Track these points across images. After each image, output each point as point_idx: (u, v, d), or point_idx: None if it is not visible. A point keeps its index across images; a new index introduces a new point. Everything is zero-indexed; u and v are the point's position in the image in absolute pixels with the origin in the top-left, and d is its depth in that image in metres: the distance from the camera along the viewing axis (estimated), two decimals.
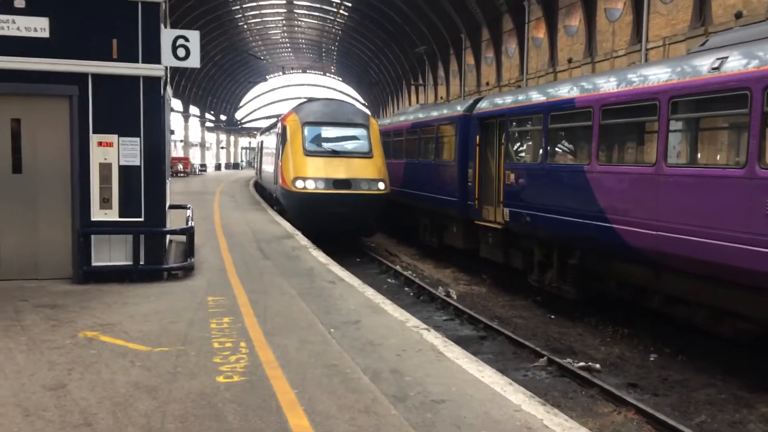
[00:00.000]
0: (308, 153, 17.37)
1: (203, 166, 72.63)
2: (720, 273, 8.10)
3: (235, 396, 5.00)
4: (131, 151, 9.40)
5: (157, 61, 9.49)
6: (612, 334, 10.71)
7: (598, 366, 9.03)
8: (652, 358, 9.46)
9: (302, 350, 6.24)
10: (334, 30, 67.51)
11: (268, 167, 24.84)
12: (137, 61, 9.36)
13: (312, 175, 16.94)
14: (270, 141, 25.61)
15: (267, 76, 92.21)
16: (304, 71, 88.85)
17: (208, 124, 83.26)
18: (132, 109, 9.38)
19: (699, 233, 8.26)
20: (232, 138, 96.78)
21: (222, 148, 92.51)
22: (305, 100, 21.49)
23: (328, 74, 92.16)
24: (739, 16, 19.11)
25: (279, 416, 4.64)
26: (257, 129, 68.42)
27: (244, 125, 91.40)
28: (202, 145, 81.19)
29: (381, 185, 17.45)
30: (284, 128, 18.43)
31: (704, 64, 8.58)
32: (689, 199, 8.55)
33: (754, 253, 7.45)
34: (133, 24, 9.32)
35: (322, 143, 17.79)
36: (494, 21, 37.99)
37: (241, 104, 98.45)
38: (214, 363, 5.79)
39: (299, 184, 16.89)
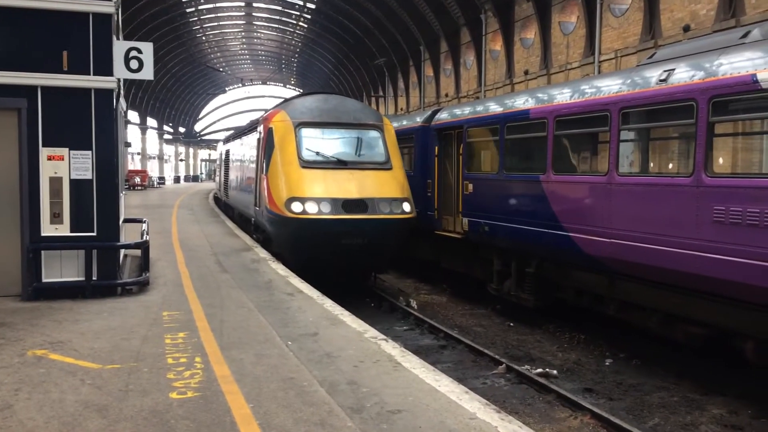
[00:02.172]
0: (306, 164, 12.82)
1: (162, 178, 71.60)
2: (671, 279, 8.30)
3: (188, 412, 4.92)
4: (83, 164, 9.22)
5: (109, 73, 9.34)
6: (569, 340, 10.88)
7: (555, 372, 9.15)
8: (607, 363, 9.62)
9: (259, 364, 6.17)
10: (293, 42, 67.42)
11: (242, 184, 19.66)
12: (89, 74, 9.20)
13: (313, 194, 12.40)
14: (242, 150, 20.49)
15: (226, 88, 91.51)
16: (264, 83, 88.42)
17: (166, 136, 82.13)
18: (83, 122, 9.21)
19: (650, 240, 8.46)
20: (191, 150, 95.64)
21: (181, 160, 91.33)
22: (295, 95, 16.37)
23: (288, 86, 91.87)
24: (686, 29, 19.72)
25: None
26: (217, 141, 67.80)
27: (204, 137, 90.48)
28: (161, 157, 80.00)
29: (407, 206, 12.90)
30: (269, 132, 13.91)
31: (652, 76, 8.83)
32: (640, 207, 8.76)
33: (703, 258, 7.65)
34: (85, 35, 9.16)
35: (324, 151, 13.20)
36: (452, 33, 38.45)
37: (200, 116, 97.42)
38: (167, 379, 5.68)
39: (296, 207, 12.29)
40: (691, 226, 7.86)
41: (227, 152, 26.00)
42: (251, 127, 18.57)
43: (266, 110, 17.70)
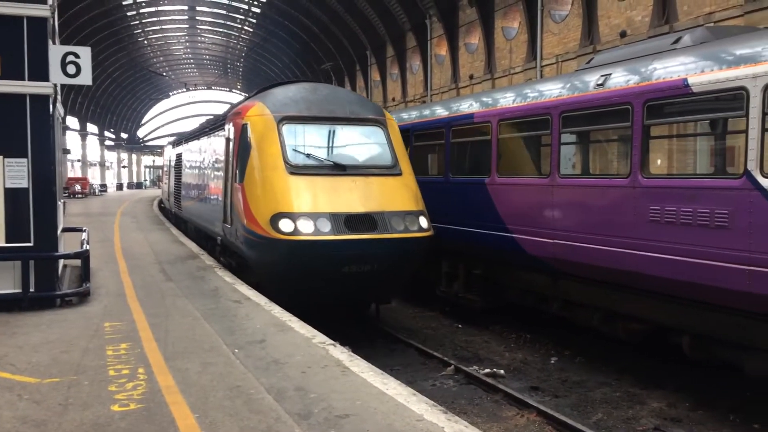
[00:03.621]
0: (295, 170, 10.11)
1: (103, 186, 69.71)
2: (612, 277, 8.55)
3: (130, 425, 4.81)
4: (18, 172, 8.91)
5: (45, 78, 9.07)
6: (516, 340, 11.07)
7: (502, 372, 9.30)
8: (552, 362, 9.83)
9: (204, 373, 6.08)
10: (239, 46, 66.72)
11: (202, 194, 16.08)
12: (23, 79, 8.91)
13: (307, 208, 9.74)
14: (200, 153, 16.91)
15: (170, 93, 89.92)
16: (208, 88, 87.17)
17: (108, 142, 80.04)
18: (18, 128, 8.90)
19: (591, 240, 8.69)
20: (134, 157, 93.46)
21: (123, 167, 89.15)
22: (272, 84, 13.30)
23: (234, 90, 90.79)
24: (623, 35, 20.37)
25: None
26: (161, 147, 66.40)
27: (147, 143, 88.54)
28: (102, 164, 77.91)
29: (423, 222, 10.33)
30: (243, 129, 11.13)
31: (590, 80, 9.09)
32: (581, 208, 9.00)
33: (641, 257, 7.91)
34: (19, 40, 8.87)
35: (317, 152, 10.52)
36: (398, 38, 38.72)
37: (143, 122, 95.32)
38: (109, 392, 5.54)
39: (285, 225, 9.52)
40: (628, 225, 8.12)
41: (179, 156, 22.19)
42: (214, 125, 15.18)
43: (233, 104, 14.66)
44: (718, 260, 6.95)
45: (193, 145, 18.62)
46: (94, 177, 70.70)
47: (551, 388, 8.75)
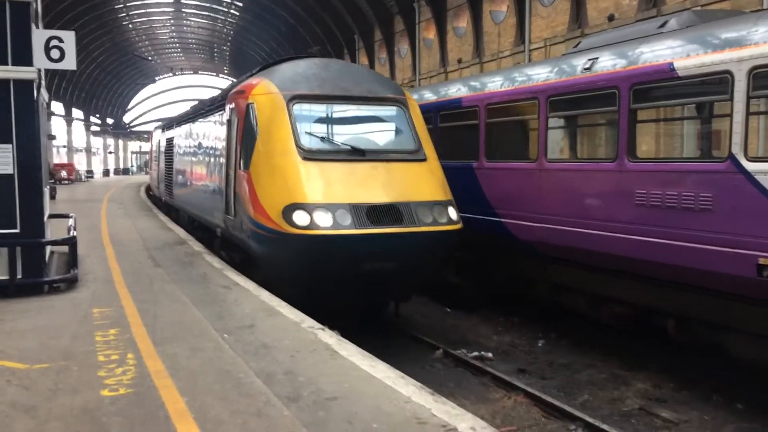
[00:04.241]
0: (309, 155, 9.13)
1: (90, 172, 69.15)
2: (599, 261, 8.62)
3: (120, 409, 4.83)
4: (3, 159, 8.83)
5: (29, 63, 8.95)
6: (503, 324, 11.16)
7: (490, 355, 9.39)
8: (539, 345, 9.94)
9: (194, 358, 6.10)
10: (225, 30, 66.14)
11: (198, 181, 14.96)
12: (6, 64, 8.78)
13: (325, 198, 8.79)
14: (196, 137, 15.64)
15: (156, 78, 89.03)
16: (195, 72, 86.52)
17: (94, 128, 79.31)
18: (2, 114, 8.80)
19: (578, 224, 8.76)
20: (120, 142, 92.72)
21: (110, 152, 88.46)
22: (277, 60, 12.15)
23: (221, 75, 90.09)
24: (611, 18, 20.38)
25: (168, 426, 4.52)
26: (148, 132, 65.85)
27: (134, 129, 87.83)
28: (88, 150, 77.24)
29: (452, 213, 9.36)
30: (248, 109, 10.03)
31: (578, 64, 9.11)
32: (568, 192, 9.05)
33: (627, 240, 7.99)
34: (1, 24, 8.73)
35: (333, 135, 9.65)
36: (386, 22, 38.52)
37: (129, 107, 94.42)
38: (98, 377, 5.55)
39: (299, 218, 8.59)
40: (615, 209, 8.19)
41: (170, 141, 20.90)
42: (212, 105, 13.98)
43: (234, 82, 13.60)
44: (703, 243, 7.03)
45: (187, 128, 17.38)
46: (80, 163, 70.09)
47: (538, 371, 8.85)
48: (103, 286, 9.57)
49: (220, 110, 12.45)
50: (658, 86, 7.84)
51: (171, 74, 72.75)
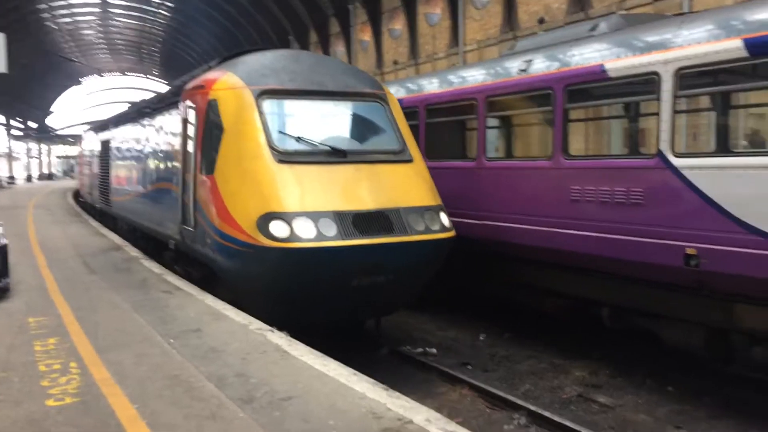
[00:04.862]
0: (285, 157, 8.19)
1: (12, 178, 66.17)
2: (539, 255, 8.92)
3: (68, 419, 4.71)
4: None
5: None
6: (447, 320, 11.37)
7: (434, 350, 9.56)
8: (481, 338, 10.19)
9: (140, 364, 5.99)
10: (155, 31, 64.55)
11: (144, 187, 13.51)
12: None
13: (306, 206, 7.84)
14: (140, 139, 14.16)
15: (81, 79, 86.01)
16: (123, 74, 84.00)
17: (16, 132, 75.86)
18: None
19: (518, 220, 9.03)
20: (44, 146, 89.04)
21: (32, 157, 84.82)
22: (238, 51, 10.74)
23: (150, 77, 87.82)
24: (541, 21, 21.02)
25: None
26: (74, 136, 63.49)
27: (59, 132, 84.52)
28: (9, 155, 73.84)
29: (445, 219, 8.60)
30: (209, 107, 9.03)
31: (513, 66, 9.39)
32: (508, 190, 9.32)
33: (564, 235, 8.30)
34: None
35: (309, 134, 8.56)
36: (321, 24, 38.47)
37: (53, 110, 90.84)
38: (41, 387, 5.39)
39: (277, 229, 7.64)
40: (552, 205, 8.49)
41: (105, 143, 19.25)
42: (162, 103, 12.63)
43: (189, 75, 11.75)
44: (635, 235, 7.39)
45: (128, 129, 15.82)
46: (1, 169, 67.01)
47: (481, 364, 9.07)
48: (37, 295, 9.24)
49: (173, 108, 11.29)
50: (590, 87, 8.19)
51: (98, 76, 70.38)
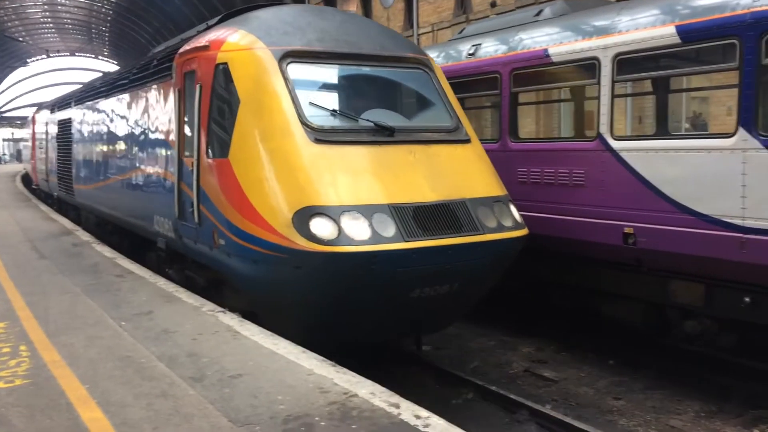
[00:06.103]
0: (321, 136, 6.54)
1: None
2: None
3: (18, 399, 4.75)
4: None
5: None
6: None
7: None
8: None
9: (91, 346, 6.03)
10: (104, 10, 62.79)
11: (120, 174, 11.54)
12: None
13: (354, 198, 6.22)
14: (116, 116, 12.01)
15: (28, 60, 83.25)
16: (72, 54, 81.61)
17: None
18: None
19: None
20: None
21: None
22: (241, 7, 8.91)
23: (100, 57, 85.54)
24: (493, 5, 21.24)
25: (70, 412, 4.51)
26: (20, 118, 61.50)
27: (5, 114, 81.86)
28: None
29: (515, 212, 7.11)
30: (218, 73, 7.27)
31: (463, 50, 9.58)
32: None
33: None
34: None
35: (348, 107, 7.10)
36: (276, 4, 38.03)
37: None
38: None
39: (322, 229, 5.98)
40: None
41: (65, 123, 17.00)
42: (144, 72, 10.47)
43: (185, 36, 9.81)
44: (578, 216, 7.69)
45: (97, 105, 13.63)
46: None
47: (431, 342, 9.28)
48: None
49: (161, 76, 9.30)
50: (535, 71, 8.42)
51: (45, 56, 68.23)
